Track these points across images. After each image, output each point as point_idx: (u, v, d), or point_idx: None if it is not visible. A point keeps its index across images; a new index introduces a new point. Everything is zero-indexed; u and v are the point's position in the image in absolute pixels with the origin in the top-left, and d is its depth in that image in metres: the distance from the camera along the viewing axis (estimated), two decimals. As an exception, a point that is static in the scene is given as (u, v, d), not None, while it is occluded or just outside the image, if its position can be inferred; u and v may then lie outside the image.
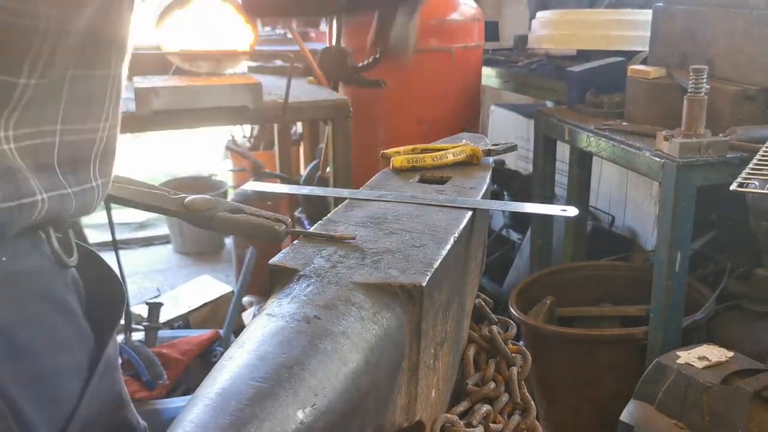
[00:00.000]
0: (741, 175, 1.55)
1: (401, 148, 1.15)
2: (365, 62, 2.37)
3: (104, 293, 0.76)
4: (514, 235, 3.48)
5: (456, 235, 0.82)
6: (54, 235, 0.68)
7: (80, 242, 0.73)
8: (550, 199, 2.70)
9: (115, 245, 2.31)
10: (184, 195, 0.87)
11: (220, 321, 2.87)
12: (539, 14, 3.01)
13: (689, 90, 1.88)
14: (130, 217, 5.01)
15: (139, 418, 0.80)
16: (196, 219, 0.84)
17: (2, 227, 0.59)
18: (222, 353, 0.92)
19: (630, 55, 2.50)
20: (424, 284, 0.68)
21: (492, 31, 3.39)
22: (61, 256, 0.68)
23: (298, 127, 4.19)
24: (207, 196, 0.86)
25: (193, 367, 2.40)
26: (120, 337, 2.31)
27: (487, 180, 1.07)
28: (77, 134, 0.65)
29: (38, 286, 0.65)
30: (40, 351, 0.63)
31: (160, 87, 1.88)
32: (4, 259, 0.61)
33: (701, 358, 1.77)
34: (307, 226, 2.63)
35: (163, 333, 2.61)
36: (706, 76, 1.87)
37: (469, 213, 0.90)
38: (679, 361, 1.79)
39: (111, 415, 0.74)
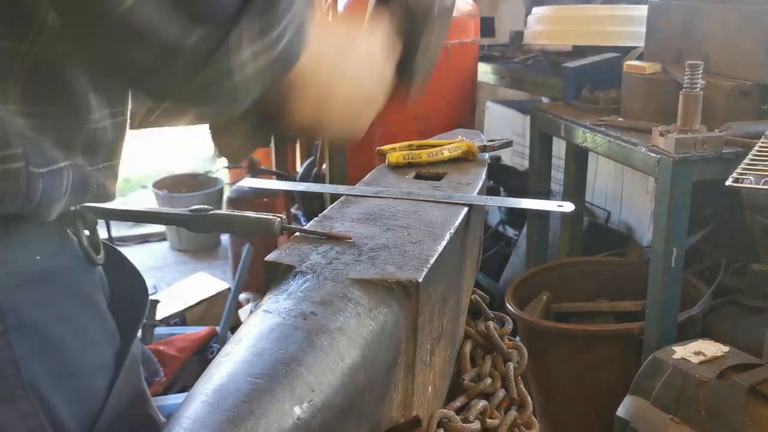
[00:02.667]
0: (736, 171, 1.55)
1: (397, 145, 1.15)
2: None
3: (128, 291, 0.77)
4: (511, 231, 3.49)
5: (452, 231, 0.82)
6: (83, 233, 0.69)
7: (104, 241, 0.74)
8: (546, 195, 2.70)
9: (111, 242, 2.31)
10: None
11: (217, 318, 2.88)
12: (535, 10, 3.01)
13: (685, 85, 1.88)
14: (126, 215, 5.00)
15: (159, 414, 0.80)
16: (195, 223, 0.84)
17: (46, 198, 0.59)
18: (219, 350, 0.92)
19: (625, 51, 2.51)
20: (420, 280, 0.68)
21: (488, 27, 3.39)
22: (90, 254, 0.69)
23: (294, 123, 4.18)
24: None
25: (190, 364, 2.40)
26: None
27: (483, 176, 1.07)
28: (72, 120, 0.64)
29: (69, 284, 0.66)
30: (71, 348, 0.64)
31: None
32: (38, 258, 0.62)
33: (697, 353, 1.77)
34: (304, 223, 2.63)
35: (159, 330, 2.62)
36: (701, 71, 1.87)
37: (465, 209, 0.90)
38: (674, 356, 1.79)
39: (135, 411, 0.75)
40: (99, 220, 0.74)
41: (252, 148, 0.75)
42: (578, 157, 2.72)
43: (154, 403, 0.80)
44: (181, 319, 3.08)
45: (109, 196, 0.70)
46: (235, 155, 0.75)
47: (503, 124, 3.73)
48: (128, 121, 0.72)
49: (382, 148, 1.14)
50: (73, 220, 0.69)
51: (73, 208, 0.68)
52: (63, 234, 0.67)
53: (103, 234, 2.51)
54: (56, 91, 0.61)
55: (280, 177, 3.58)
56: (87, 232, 0.70)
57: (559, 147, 2.78)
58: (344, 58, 0.71)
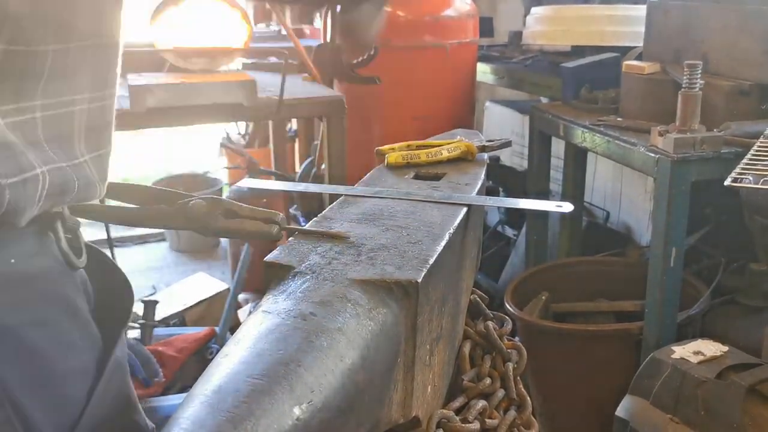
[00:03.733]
0: (735, 170, 1.55)
1: (396, 145, 1.15)
2: (360, 59, 2.37)
3: (112, 294, 0.75)
4: (510, 231, 3.48)
5: (451, 231, 0.82)
6: (63, 236, 0.67)
7: (89, 243, 0.73)
8: (545, 195, 2.70)
9: (110, 243, 2.31)
10: (185, 199, 0.84)
11: (216, 318, 2.87)
12: (534, 10, 3.01)
13: (683, 85, 1.88)
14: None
15: (147, 420, 0.79)
16: (194, 227, 0.83)
17: (13, 207, 0.57)
18: (218, 350, 0.91)
19: (624, 51, 2.51)
20: (419, 280, 0.68)
21: (486, 27, 3.39)
22: (70, 257, 0.67)
23: (293, 124, 4.19)
24: (204, 199, 0.83)
25: (189, 364, 2.40)
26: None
27: (482, 176, 1.07)
28: (55, 108, 0.62)
29: (47, 287, 0.64)
30: (48, 354, 0.63)
31: (155, 84, 1.88)
32: (12, 261, 0.60)
33: (696, 353, 1.78)
34: (303, 223, 2.63)
35: (158, 331, 2.61)
36: (700, 71, 1.87)
37: (464, 209, 0.90)
38: (674, 356, 1.79)
39: (119, 418, 0.73)
40: (87, 221, 0.73)
41: None
42: (577, 157, 2.72)
43: (141, 409, 0.78)
44: (180, 319, 3.08)
45: (95, 195, 0.68)
46: None
47: (502, 124, 3.73)
48: (113, 105, 0.70)
49: (381, 148, 1.14)
50: (52, 223, 0.66)
51: (56, 210, 0.67)
52: (41, 236, 0.65)
53: (102, 235, 2.51)
54: (35, 82, 0.60)
55: (279, 177, 3.57)
56: (69, 236, 0.68)
57: (558, 147, 2.78)
58: None
